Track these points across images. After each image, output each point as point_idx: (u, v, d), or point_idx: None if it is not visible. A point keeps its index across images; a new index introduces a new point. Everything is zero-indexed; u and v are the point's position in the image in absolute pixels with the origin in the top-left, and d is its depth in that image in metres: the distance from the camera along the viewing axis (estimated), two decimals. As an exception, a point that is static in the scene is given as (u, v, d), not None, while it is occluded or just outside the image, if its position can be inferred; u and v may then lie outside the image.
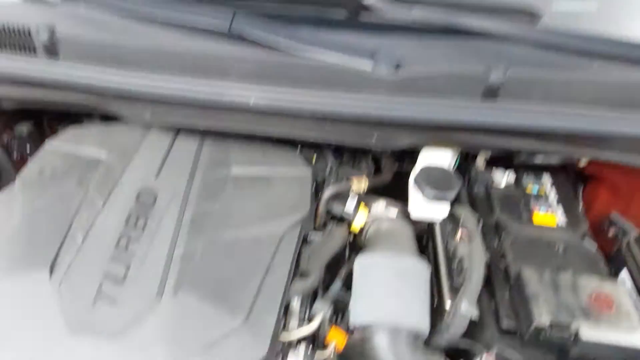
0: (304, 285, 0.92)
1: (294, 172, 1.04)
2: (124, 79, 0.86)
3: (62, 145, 1.09)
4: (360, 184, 1.07)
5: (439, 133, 0.88)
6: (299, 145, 1.17)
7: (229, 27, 0.83)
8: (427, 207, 0.95)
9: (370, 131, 0.89)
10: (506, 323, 0.89)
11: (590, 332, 0.78)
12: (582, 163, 1.08)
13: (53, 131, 1.34)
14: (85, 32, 0.90)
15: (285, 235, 0.92)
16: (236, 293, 0.82)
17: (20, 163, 1.37)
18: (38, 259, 0.84)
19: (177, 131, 1.07)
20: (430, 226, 1.11)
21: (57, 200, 0.95)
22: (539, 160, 1.08)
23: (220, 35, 0.84)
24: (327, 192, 1.04)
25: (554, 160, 1.06)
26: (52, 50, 0.91)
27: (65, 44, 0.90)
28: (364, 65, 0.83)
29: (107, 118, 1.23)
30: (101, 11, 0.87)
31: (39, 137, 1.34)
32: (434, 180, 0.92)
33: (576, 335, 0.79)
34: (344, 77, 0.83)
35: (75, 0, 0.91)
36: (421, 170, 0.94)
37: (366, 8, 0.81)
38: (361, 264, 0.91)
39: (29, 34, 0.90)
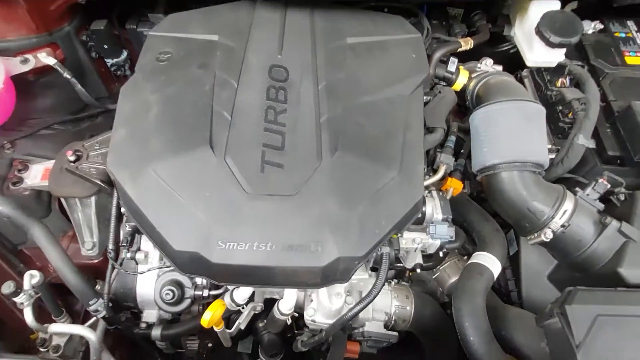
0: (434, 137, 1.02)
1: (405, 37, 1.07)
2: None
3: (168, 32, 1.08)
4: (467, 43, 1.11)
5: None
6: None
7: None
8: (548, 53, 1.01)
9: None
10: (611, 152, 1.01)
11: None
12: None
13: (124, 30, 1.32)
14: None
15: (413, 95, 0.98)
16: (386, 148, 0.91)
17: (99, 61, 1.37)
18: (194, 138, 0.89)
19: (286, 6, 1.06)
20: (519, 81, 1.19)
21: (187, 85, 0.98)
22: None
23: None
24: (439, 53, 1.09)
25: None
26: None
27: None
28: None
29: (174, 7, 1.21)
30: None
31: (112, 35, 1.32)
32: (559, 25, 0.96)
33: (686, 150, 0.91)
34: None
35: None
36: (543, 16, 0.98)
37: None
38: (484, 113, 1.00)
39: None
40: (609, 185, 0.95)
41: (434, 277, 1.17)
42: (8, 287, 0.85)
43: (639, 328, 0.70)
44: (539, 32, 0.98)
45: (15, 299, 0.87)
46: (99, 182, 1.05)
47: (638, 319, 0.71)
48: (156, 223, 0.83)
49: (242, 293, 0.90)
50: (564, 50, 1.02)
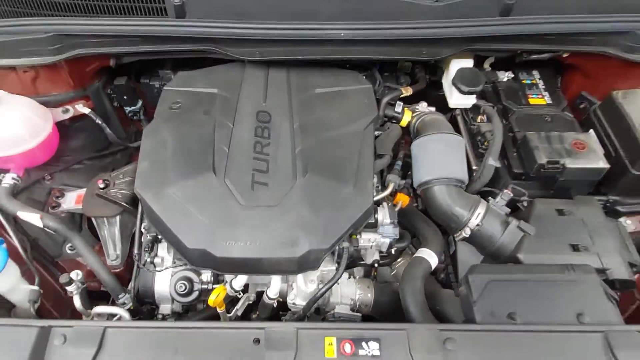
0: (382, 162, 1.34)
1: (360, 87, 1.41)
2: (245, 28, 1.18)
3: (178, 87, 1.41)
4: (407, 91, 1.46)
5: (468, 43, 1.26)
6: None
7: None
8: (462, 98, 1.36)
9: (421, 47, 1.27)
10: (515, 168, 1.35)
11: (572, 164, 1.25)
12: (565, 55, 1.48)
13: (139, 83, 1.65)
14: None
15: (366, 130, 1.31)
16: (344, 170, 1.22)
17: (119, 109, 1.69)
18: (201, 166, 1.20)
19: (268, 66, 1.41)
20: (452, 116, 1.54)
21: (195, 127, 1.30)
22: (534, 56, 1.47)
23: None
24: (386, 99, 1.44)
25: (546, 55, 1.45)
26: (181, 11, 1.21)
27: (192, 5, 1.20)
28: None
29: (181, 62, 1.55)
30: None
31: (130, 88, 1.65)
32: (466, 78, 1.32)
33: (563, 166, 1.25)
34: (403, 9, 1.19)
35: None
36: (457, 72, 1.34)
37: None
38: (419, 143, 1.33)
39: (163, 0, 1.19)
40: (512, 195, 1.27)
41: (392, 273, 1.47)
42: (64, 278, 1.13)
43: (517, 287, 1.00)
44: (454, 83, 1.33)
45: (67, 288, 1.14)
46: (124, 204, 1.34)
47: (517, 283, 1.01)
48: (174, 229, 1.12)
49: (239, 281, 1.19)
50: (474, 95, 1.37)
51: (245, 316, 1.34)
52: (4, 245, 1.09)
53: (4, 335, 0.91)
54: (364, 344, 0.90)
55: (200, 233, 1.10)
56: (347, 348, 0.90)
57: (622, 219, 1.42)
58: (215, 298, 1.12)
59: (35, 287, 1.14)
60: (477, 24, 1.19)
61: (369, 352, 0.89)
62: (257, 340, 0.90)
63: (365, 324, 1.12)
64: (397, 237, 1.25)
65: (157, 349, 0.90)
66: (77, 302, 1.15)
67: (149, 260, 1.25)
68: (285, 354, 0.88)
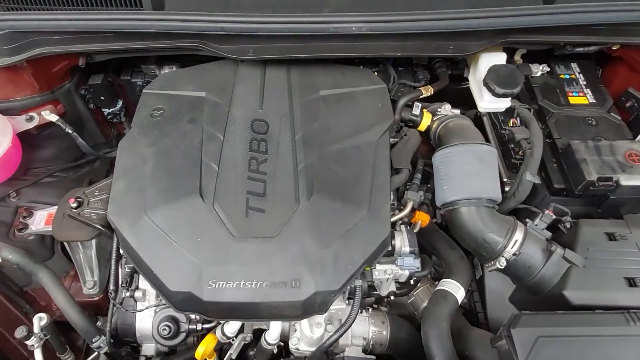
0: (400, 178, 1.14)
1: (372, 87, 1.20)
2: (236, 23, 0.97)
3: (160, 90, 1.20)
4: (428, 91, 1.25)
5: (505, 35, 1.04)
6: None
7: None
8: (495, 101, 1.15)
9: (447, 42, 1.05)
10: (557, 185, 1.15)
11: (628, 181, 1.04)
12: (615, 47, 1.26)
13: (119, 79, 1.44)
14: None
15: (380, 140, 1.11)
16: (356, 191, 1.03)
17: (97, 111, 1.49)
18: (186, 188, 1.01)
19: (265, 64, 1.19)
20: (477, 116, 1.33)
21: (179, 139, 1.10)
22: (579, 49, 1.26)
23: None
24: (403, 100, 1.22)
25: (594, 48, 1.23)
26: (158, 3, 0.99)
27: (170, -6, 0.99)
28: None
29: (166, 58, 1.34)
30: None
31: (108, 87, 1.44)
32: (501, 78, 1.10)
33: (617, 183, 1.04)
34: (425, -3, 0.97)
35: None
36: (489, 70, 1.12)
37: None
38: (443, 155, 1.12)
39: (135, -12, 0.98)
40: (554, 216, 1.07)
41: (409, 301, 1.28)
42: (20, 332, 0.95)
43: (574, 346, 0.81)
44: (486, 84, 1.12)
45: (27, 342, 0.96)
46: (99, 227, 1.15)
47: (572, 338, 0.82)
48: (153, 267, 0.93)
49: (231, 327, 1.01)
50: (509, 98, 1.16)
51: (241, 357, 1.16)
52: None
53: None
54: None
55: (185, 272, 0.92)
56: None
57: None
58: (204, 351, 0.94)
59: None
60: (516, 14, 0.97)
61: None
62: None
63: None
64: (419, 269, 1.06)
65: None
66: (39, 357, 0.97)
67: (128, 295, 1.08)
68: None
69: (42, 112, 1.25)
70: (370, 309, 1.20)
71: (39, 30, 1.09)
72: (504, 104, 1.18)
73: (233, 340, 1.05)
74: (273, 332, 1.01)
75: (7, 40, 1.09)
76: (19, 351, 1.21)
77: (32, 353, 1.00)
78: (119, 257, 1.09)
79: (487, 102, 1.17)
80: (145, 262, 0.94)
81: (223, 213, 0.98)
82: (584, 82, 1.34)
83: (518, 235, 1.05)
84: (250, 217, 0.98)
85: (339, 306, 1.07)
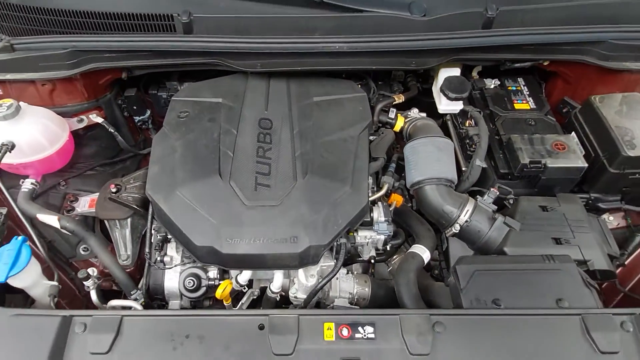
0: (376, 164, 1.43)
1: (355, 95, 1.51)
2: (248, 43, 1.28)
3: (185, 97, 1.51)
4: (399, 98, 1.56)
5: (454, 53, 1.36)
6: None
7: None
8: (449, 104, 1.46)
9: (410, 58, 1.37)
10: (501, 169, 1.44)
11: (553, 163, 1.34)
12: (545, 63, 1.59)
13: (147, 94, 1.75)
14: (212, 13, 1.31)
15: (360, 135, 1.41)
16: (341, 172, 1.31)
17: (129, 118, 1.79)
18: (208, 169, 1.29)
19: (269, 77, 1.51)
20: (443, 122, 1.64)
21: (201, 133, 1.39)
22: (517, 65, 1.58)
23: (309, 5, 1.27)
24: (379, 105, 1.53)
25: (527, 63, 1.55)
26: (188, 28, 1.31)
27: (198, 22, 1.31)
28: (404, 14, 1.29)
29: (187, 74, 1.66)
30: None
31: (139, 99, 1.75)
32: (453, 86, 1.42)
33: (544, 165, 1.34)
34: (392, 23, 1.29)
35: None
36: (444, 80, 1.44)
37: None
38: (411, 146, 1.42)
39: (171, 17, 1.30)
40: (498, 193, 1.36)
41: (388, 270, 1.55)
42: (82, 273, 1.21)
43: (501, 275, 1.09)
44: (442, 90, 1.43)
45: (85, 283, 1.23)
46: (134, 207, 1.43)
47: (500, 271, 1.10)
48: (183, 228, 1.20)
49: (244, 276, 1.27)
50: (461, 101, 1.47)
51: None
52: (28, 242, 1.18)
53: (30, 324, 0.99)
54: (360, 328, 0.98)
55: (208, 231, 1.19)
56: (345, 332, 0.98)
57: (604, 216, 1.51)
58: (223, 291, 1.20)
59: (55, 283, 1.22)
60: (461, 37, 1.29)
61: (365, 335, 0.97)
62: (261, 327, 0.98)
63: (361, 311, 1.21)
64: (392, 234, 1.33)
65: (169, 334, 0.98)
66: (94, 296, 1.23)
67: (159, 258, 1.34)
68: (288, 338, 0.96)
69: (90, 115, 1.55)
70: (356, 272, 1.46)
71: (94, 49, 1.40)
72: (457, 106, 1.49)
73: (244, 289, 1.31)
74: (276, 281, 1.28)
75: (69, 57, 1.40)
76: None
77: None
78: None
79: (444, 105, 1.49)
80: (176, 225, 1.21)
81: (237, 188, 1.26)
82: (527, 93, 1.66)
83: (469, 207, 1.33)
84: (259, 191, 1.26)
85: (329, 263, 1.34)
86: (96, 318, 0.99)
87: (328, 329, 0.98)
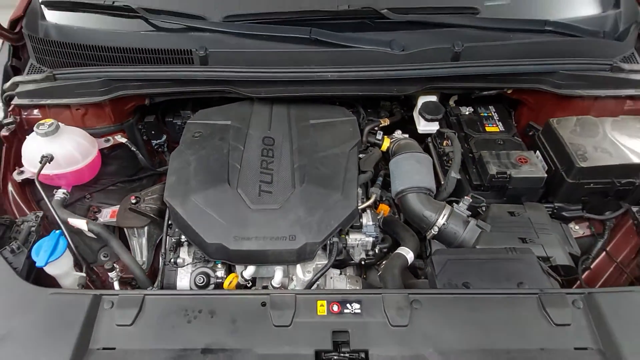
0: (365, 176, 1.64)
1: (346, 119, 1.74)
2: (254, 72, 1.53)
3: (198, 120, 1.74)
4: (385, 122, 1.80)
5: (429, 82, 1.61)
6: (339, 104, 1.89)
7: (309, 36, 1.52)
8: (427, 125, 1.69)
9: (392, 86, 1.62)
10: (474, 181, 1.65)
11: (517, 174, 1.55)
12: (509, 91, 1.84)
13: (163, 122, 1.99)
14: (225, 49, 1.57)
15: (350, 151, 1.62)
16: (333, 181, 1.51)
17: (147, 142, 2.02)
18: (218, 179, 1.50)
19: (272, 103, 1.75)
20: (426, 144, 1.87)
21: (212, 150, 1.61)
22: (484, 92, 1.83)
23: (304, 42, 1.53)
24: (367, 127, 1.77)
25: (492, 91, 1.80)
26: (204, 60, 1.57)
27: (213, 55, 1.56)
28: (385, 49, 1.55)
29: (199, 104, 1.91)
30: (235, 36, 1.54)
31: (157, 125, 1.99)
32: (429, 109, 1.65)
33: (510, 176, 1.54)
34: (376, 57, 1.55)
35: (221, 33, 1.57)
36: (422, 104, 1.68)
37: (383, 16, 1.53)
38: (395, 161, 1.64)
39: (190, 52, 1.56)
40: (471, 200, 1.55)
41: (378, 274, 1.71)
42: (108, 265, 1.39)
43: (470, 263, 1.26)
44: (420, 113, 1.67)
45: (109, 274, 1.40)
46: (152, 216, 1.62)
47: (470, 260, 1.27)
48: (196, 228, 1.39)
49: (248, 272, 1.44)
50: (436, 122, 1.70)
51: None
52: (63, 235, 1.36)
53: (65, 301, 1.16)
54: (348, 304, 1.15)
55: (217, 231, 1.38)
56: (335, 308, 1.14)
57: (571, 224, 1.70)
58: (230, 283, 1.37)
59: (83, 274, 1.39)
60: (433, 67, 1.54)
61: (352, 310, 1.14)
62: (263, 304, 1.15)
63: (349, 290, 1.37)
64: (379, 236, 1.52)
65: (184, 310, 1.14)
66: (117, 286, 1.40)
67: (172, 260, 1.51)
68: (286, 313, 1.13)
69: (116, 136, 1.77)
70: (348, 273, 1.63)
71: (123, 78, 1.65)
72: (434, 127, 1.72)
73: (248, 283, 1.47)
74: (277, 276, 1.44)
75: (101, 85, 1.64)
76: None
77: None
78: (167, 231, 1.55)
79: (423, 126, 1.72)
80: (190, 226, 1.40)
81: (243, 194, 1.46)
82: (497, 118, 1.90)
83: (446, 212, 1.52)
84: (262, 196, 1.46)
85: (323, 262, 1.51)
86: (122, 297, 1.16)
87: (321, 306, 1.15)
